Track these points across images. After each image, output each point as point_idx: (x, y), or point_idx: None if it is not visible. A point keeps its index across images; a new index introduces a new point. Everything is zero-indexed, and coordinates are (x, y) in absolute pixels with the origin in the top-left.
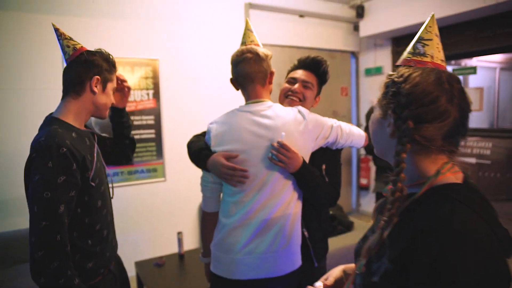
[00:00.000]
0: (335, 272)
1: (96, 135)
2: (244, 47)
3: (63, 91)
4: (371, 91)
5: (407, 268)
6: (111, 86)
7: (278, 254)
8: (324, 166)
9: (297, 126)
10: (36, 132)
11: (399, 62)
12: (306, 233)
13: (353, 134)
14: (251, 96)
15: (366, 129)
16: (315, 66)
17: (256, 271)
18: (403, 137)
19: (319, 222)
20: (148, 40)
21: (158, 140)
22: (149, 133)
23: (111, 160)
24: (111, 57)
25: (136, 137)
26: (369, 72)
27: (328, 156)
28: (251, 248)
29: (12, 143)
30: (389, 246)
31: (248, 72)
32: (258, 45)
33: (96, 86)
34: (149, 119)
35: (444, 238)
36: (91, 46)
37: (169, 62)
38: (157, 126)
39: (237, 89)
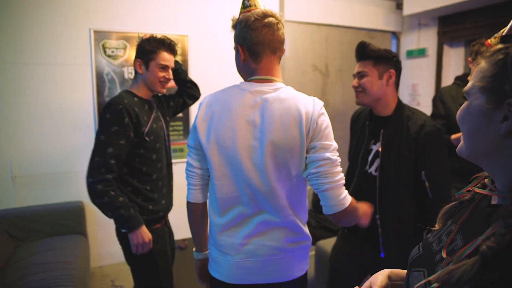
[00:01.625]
0: (379, 279)
1: (156, 104)
2: (261, 9)
3: None
4: (413, 74)
5: None
6: (154, 64)
7: (284, 256)
8: (423, 172)
9: (296, 119)
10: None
11: (508, 31)
12: (378, 220)
13: (336, 190)
14: (262, 71)
15: (433, 116)
16: (361, 53)
17: (257, 276)
18: None
19: (395, 211)
20: (177, 15)
21: (185, 119)
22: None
23: (180, 106)
24: (158, 37)
25: None
26: (411, 54)
27: (428, 162)
28: (251, 251)
29: (39, 117)
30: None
31: (271, 40)
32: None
33: (140, 68)
34: None
35: None
36: (118, 20)
37: (198, 39)
38: None
39: (241, 62)
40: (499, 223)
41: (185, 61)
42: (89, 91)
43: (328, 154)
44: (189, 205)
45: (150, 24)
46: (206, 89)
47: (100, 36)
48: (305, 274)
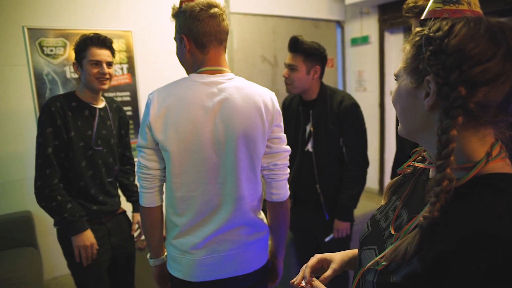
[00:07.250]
0: (310, 262)
1: (112, 112)
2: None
3: None
4: (358, 61)
5: (443, 275)
6: (86, 61)
7: (245, 249)
8: (342, 139)
9: (258, 107)
10: None
11: (425, 16)
12: (319, 189)
13: (282, 171)
14: (210, 62)
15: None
16: (293, 45)
17: (220, 271)
18: (454, 109)
19: (331, 179)
20: (119, 10)
21: (135, 118)
22: (125, 111)
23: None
24: (85, 35)
25: None
26: (355, 41)
27: (345, 130)
28: (212, 247)
29: None
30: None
31: (218, 30)
32: None
33: (78, 70)
34: (125, 96)
35: (500, 249)
36: (53, 16)
37: (143, 34)
38: (133, 103)
39: (185, 52)
40: (430, 193)
41: (130, 57)
42: (28, 93)
43: (288, 147)
44: (144, 210)
45: (90, 20)
46: (155, 86)
47: (36, 34)
48: (266, 264)
